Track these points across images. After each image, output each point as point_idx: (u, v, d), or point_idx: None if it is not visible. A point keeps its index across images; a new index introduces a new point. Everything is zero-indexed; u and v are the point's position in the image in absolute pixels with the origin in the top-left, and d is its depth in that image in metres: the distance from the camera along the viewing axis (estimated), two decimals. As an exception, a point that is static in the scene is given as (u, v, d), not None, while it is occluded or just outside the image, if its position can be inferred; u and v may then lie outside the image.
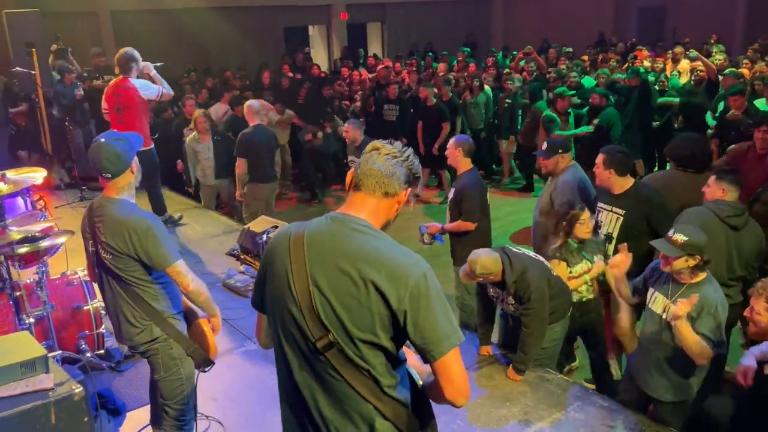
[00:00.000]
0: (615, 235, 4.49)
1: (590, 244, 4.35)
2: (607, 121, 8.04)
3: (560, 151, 4.91)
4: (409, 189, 1.97)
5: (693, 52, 10.10)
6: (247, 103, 7.46)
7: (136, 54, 6.32)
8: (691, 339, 3.22)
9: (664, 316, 3.46)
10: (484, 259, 3.92)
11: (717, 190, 4.07)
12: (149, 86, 6.33)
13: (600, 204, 4.65)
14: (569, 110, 8.57)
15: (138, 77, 6.37)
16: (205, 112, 7.94)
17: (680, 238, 3.28)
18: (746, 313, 3.13)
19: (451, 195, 5.18)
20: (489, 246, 4.75)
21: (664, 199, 4.48)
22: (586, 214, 4.21)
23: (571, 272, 4.29)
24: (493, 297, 4.20)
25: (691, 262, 3.31)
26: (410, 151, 1.96)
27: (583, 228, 4.22)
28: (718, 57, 10.81)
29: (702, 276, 3.39)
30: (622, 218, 4.46)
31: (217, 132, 8.02)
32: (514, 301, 4.02)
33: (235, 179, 7.32)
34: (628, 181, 4.52)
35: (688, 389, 3.55)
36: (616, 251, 4.31)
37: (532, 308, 3.88)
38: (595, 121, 8.14)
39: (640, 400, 3.76)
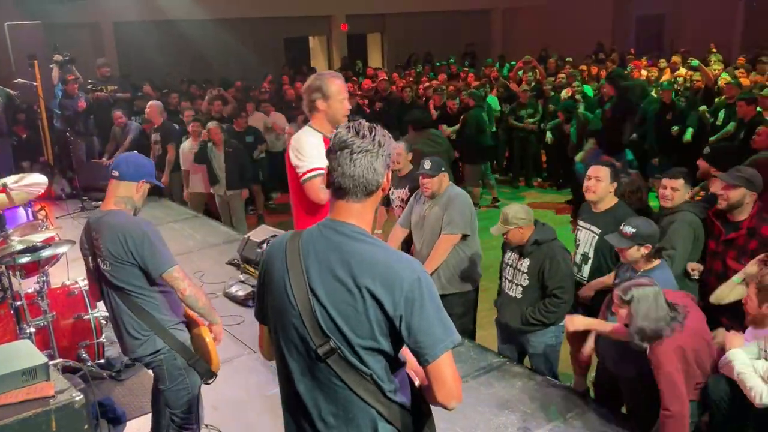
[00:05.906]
0: (591, 255, 4.29)
1: None
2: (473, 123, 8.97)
3: (443, 169, 4.58)
4: (389, 171, 1.90)
5: (695, 61, 10.09)
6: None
7: None
8: None
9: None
10: (518, 207, 4.07)
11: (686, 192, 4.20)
12: None
13: (580, 222, 4.45)
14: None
15: None
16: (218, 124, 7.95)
17: (629, 230, 3.61)
18: (743, 300, 3.26)
19: None
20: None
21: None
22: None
23: None
24: (504, 266, 4.23)
25: (644, 251, 3.61)
26: (380, 133, 1.84)
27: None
28: (716, 66, 10.84)
29: (655, 263, 3.67)
30: (597, 238, 4.22)
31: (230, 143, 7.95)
32: (527, 269, 4.05)
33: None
34: (613, 200, 4.25)
35: None
36: (590, 273, 4.29)
37: (559, 281, 3.96)
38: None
39: (612, 384, 3.86)
